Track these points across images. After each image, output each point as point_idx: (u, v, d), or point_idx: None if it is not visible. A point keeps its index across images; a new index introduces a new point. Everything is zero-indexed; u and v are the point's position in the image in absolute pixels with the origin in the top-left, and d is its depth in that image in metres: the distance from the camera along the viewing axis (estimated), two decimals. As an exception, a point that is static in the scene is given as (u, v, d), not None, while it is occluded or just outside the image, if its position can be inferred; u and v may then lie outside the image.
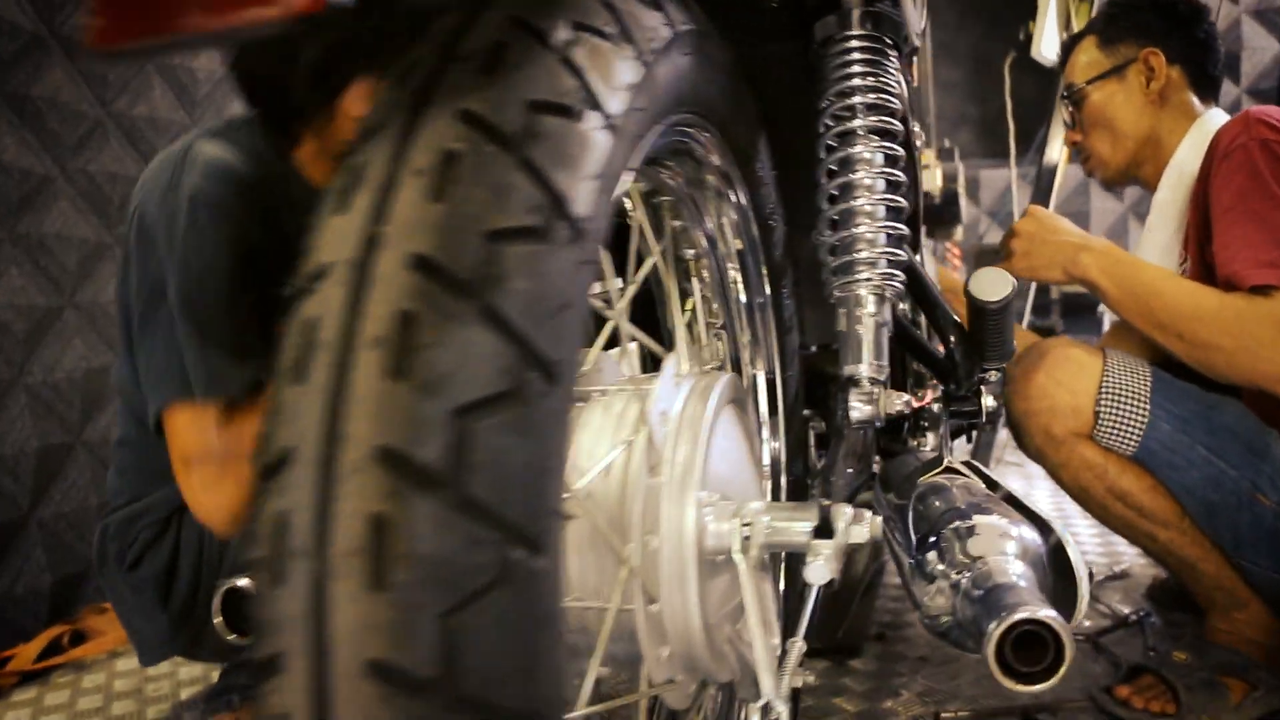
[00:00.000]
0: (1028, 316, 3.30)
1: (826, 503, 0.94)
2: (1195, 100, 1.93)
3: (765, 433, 1.32)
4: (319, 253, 0.61)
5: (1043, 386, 1.67)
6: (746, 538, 0.90)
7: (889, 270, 1.10)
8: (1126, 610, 2.08)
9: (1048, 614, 0.80)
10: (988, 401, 1.30)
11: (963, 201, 3.18)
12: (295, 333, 0.60)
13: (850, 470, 1.06)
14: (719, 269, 1.21)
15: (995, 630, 0.80)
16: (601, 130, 0.68)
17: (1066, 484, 1.74)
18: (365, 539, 0.54)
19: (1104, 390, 1.65)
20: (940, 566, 0.97)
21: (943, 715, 1.66)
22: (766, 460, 1.33)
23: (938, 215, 3.13)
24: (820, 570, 0.86)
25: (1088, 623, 2.07)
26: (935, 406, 1.31)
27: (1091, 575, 0.98)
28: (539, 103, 0.65)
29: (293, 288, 0.62)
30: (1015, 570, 0.93)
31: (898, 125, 1.14)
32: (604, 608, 0.88)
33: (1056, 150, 3.08)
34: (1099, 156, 1.99)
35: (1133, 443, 1.65)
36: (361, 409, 0.56)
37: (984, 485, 1.19)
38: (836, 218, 1.11)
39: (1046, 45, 2.91)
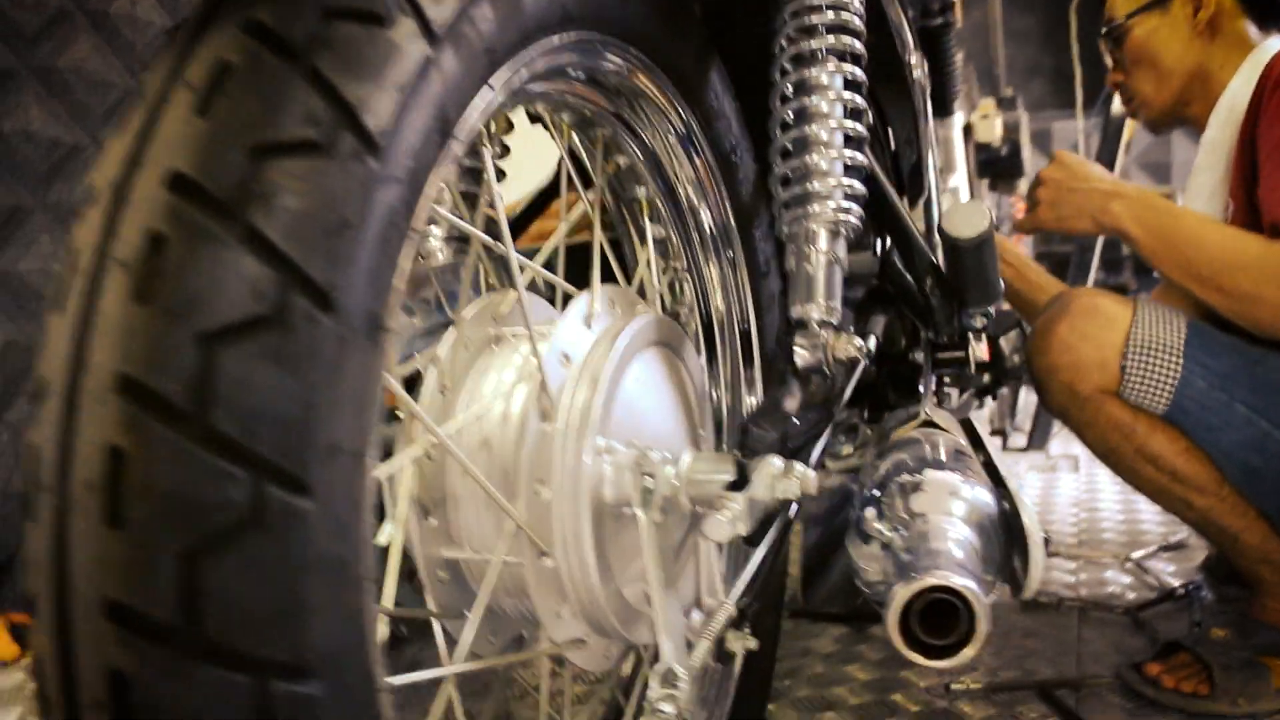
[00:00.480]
0: (1094, 273, 3.12)
1: (738, 454, 0.87)
2: (1252, 28, 1.74)
3: (742, 383, 1.26)
4: (91, 177, 0.58)
5: (1065, 340, 1.55)
6: (648, 490, 0.83)
7: (845, 204, 1.01)
8: (1176, 583, 1.95)
9: (961, 582, 0.72)
10: (977, 350, 1.20)
11: (1026, 153, 3.01)
12: (63, 260, 0.56)
13: (799, 420, 0.98)
14: (673, 209, 1.14)
15: (898, 595, 0.73)
16: (416, 38, 0.62)
17: (1093, 445, 1.62)
18: (102, 473, 0.51)
19: (1131, 343, 1.52)
20: (876, 525, 0.89)
21: (953, 686, 1.57)
22: (745, 412, 1.26)
23: (998, 167, 2.97)
24: (719, 526, 0.79)
25: (1132, 595, 1.94)
26: (918, 356, 1.22)
27: (1048, 542, 0.89)
28: (336, 9, 0.59)
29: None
30: (956, 534, 0.85)
31: (860, 47, 1.05)
32: (487, 560, 0.83)
33: (1122, 102, 2.91)
34: (1142, 96, 1.83)
35: (1164, 400, 1.52)
36: (105, 336, 0.52)
37: (963, 443, 1.10)
38: (789, 146, 1.03)
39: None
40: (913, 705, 1.56)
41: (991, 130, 2.91)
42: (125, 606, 0.50)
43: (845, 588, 1.88)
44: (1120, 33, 1.81)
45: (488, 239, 0.86)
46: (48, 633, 0.51)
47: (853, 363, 0.99)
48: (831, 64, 1.04)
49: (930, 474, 0.91)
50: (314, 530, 0.54)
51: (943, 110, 2.43)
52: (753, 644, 1.02)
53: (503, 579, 0.88)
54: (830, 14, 1.04)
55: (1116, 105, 2.79)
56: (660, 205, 1.14)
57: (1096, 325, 1.54)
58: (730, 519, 0.80)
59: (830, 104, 1.03)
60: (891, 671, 1.68)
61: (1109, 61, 1.91)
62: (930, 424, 1.12)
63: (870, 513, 0.90)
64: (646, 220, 1.13)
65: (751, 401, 1.27)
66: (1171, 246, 1.53)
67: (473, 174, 1.25)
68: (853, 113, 1.04)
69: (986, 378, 1.80)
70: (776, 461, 0.89)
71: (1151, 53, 1.78)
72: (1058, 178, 1.65)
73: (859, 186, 1.02)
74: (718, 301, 1.22)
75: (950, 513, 0.87)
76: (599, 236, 0.98)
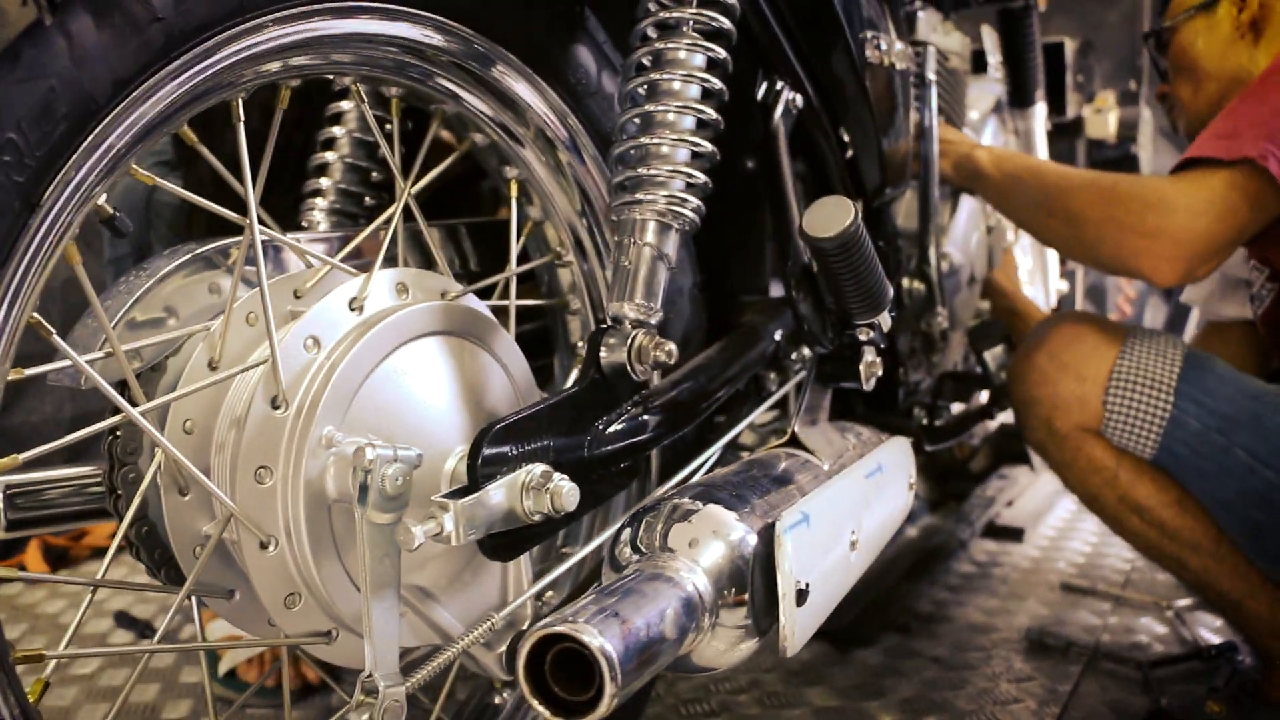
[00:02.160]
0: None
1: (466, 457, 0.81)
2: None
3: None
4: None
5: (1044, 370, 1.40)
6: (364, 487, 0.78)
7: (681, 194, 0.93)
8: (1215, 640, 1.73)
9: (595, 640, 0.64)
10: (867, 361, 1.08)
11: (1144, 153, 2.75)
12: None
13: (602, 425, 0.91)
14: (544, 195, 1.08)
15: (526, 641, 0.66)
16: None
17: (1074, 489, 1.46)
18: None
19: (1116, 376, 1.35)
20: (626, 550, 0.82)
21: (897, 728, 1.45)
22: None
23: (1110, 167, 2.72)
24: (411, 534, 0.73)
25: (1159, 647, 1.74)
26: (796, 366, 1.11)
27: (803, 595, 0.80)
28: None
29: None
30: (688, 579, 0.76)
31: (729, 25, 0.96)
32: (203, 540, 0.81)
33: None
34: (1182, 103, 1.66)
35: (1151, 442, 1.34)
36: None
37: (819, 468, 1.00)
38: (634, 123, 0.95)
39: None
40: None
41: (1105, 126, 2.67)
42: None
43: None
44: (1164, 40, 1.67)
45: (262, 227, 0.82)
46: None
47: (664, 367, 0.90)
48: (694, 38, 0.95)
49: (709, 509, 0.82)
50: None
51: (1022, 100, 2.24)
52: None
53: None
54: (704, -16, 0.95)
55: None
56: (532, 188, 1.09)
57: (1078, 355, 1.38)
58: (428, 530, 0.75)
59: (684, 82, 0.94)
60: (853, 702, 1.57)
61: (1158, 72, 1.76)
62: (795, 443, 1.02)
63: (627, 534, 0.82)
64: (513, 203, 1.07)
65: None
66: (1013, 178, 1.51)
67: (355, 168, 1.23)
68: (705, 94, 0.95)
69: (984, 398, 1.65)
70: (536, 470, 0.83)
71: (1192, 58, 1.63)
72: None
73: (700, 178, 0.93)
74: (604, 289, 1.15)
75: (697, 556, 0.78)
76: (398, 218, 0.93)
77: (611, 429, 0.92)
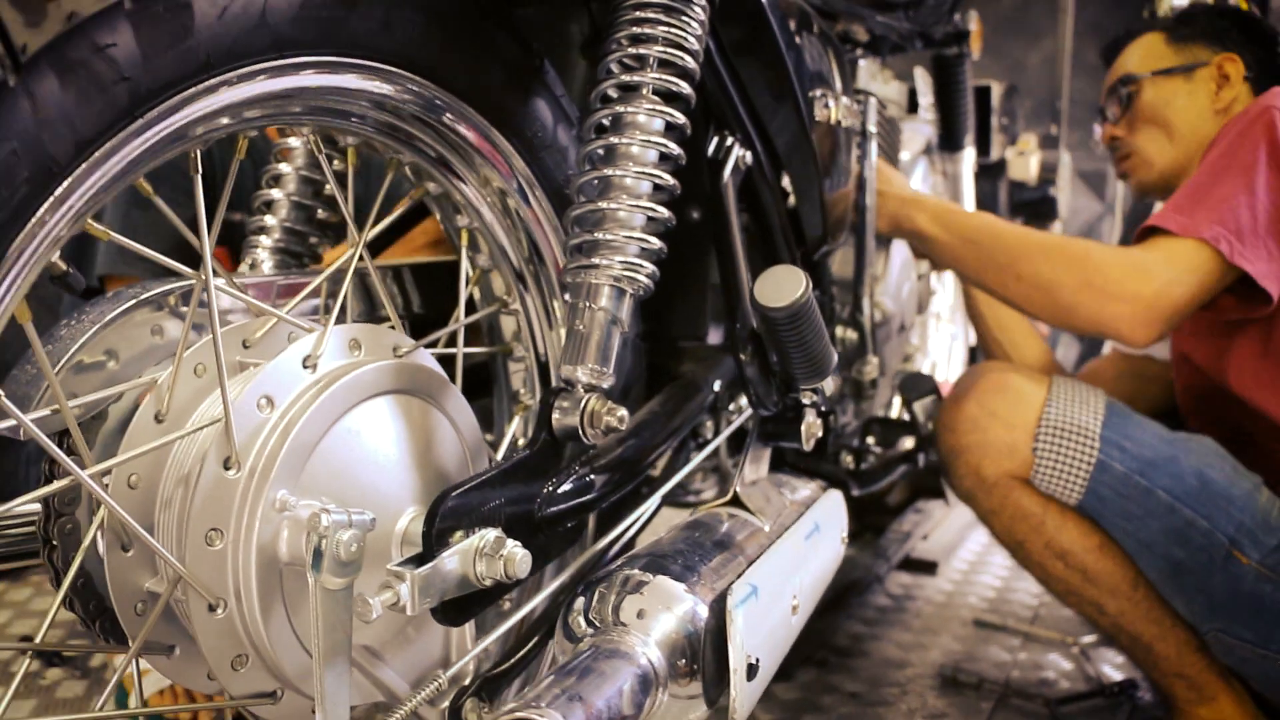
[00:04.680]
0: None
1: (426, 524, 0.81)
2: None
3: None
4: None
5: (974, 418, 1.45)
6: (318, 552, 0.78)
7: (637, 261, 0.94)
8: (1115, 678, 1.81)
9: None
10: (809, 422, 1.11)
11: (1064, 195, 2.84)
12: None
13: (552, 488, 0.92)
14: (493, 245, 1.08)
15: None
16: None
17: (1000, 536, 1.51)
18: None
19: (1044, 424, 1.41)
20: (580, 618, 0.83)
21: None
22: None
23: (1030, 207, 2.81)
24: (370, 605, 0.73)
25: (1065, 684, 1.81)
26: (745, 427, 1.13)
27: (754, 670, 0.81)
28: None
29: None
30: (641, 653, 0.78)
31: (688, 90, 0.97)
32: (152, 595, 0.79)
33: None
34: (1143, 155, 1.72)
35: (1078, 489, 1.41)
36: None
37: (760, 529, 1.02)
38: (592, 184, 0.96)
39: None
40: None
41: (1027, 168, 2.76)
42: None
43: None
44: (1135, 89, 1.72)
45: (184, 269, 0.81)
46: None
47: (611, 432, 0.91)
48: (654, 102, 0.96)
49: (659, 580, 0.83)
50: None
51: (952, 143, 2.30)
52: (487, 714, 0.97)
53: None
54: (660, 48, 0.96)
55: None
56: (482, 238, 1.09)
57: (1007, 403, 1.43)
58: (386, 600, 0.75)
59: (642, 147, 0.95)
60: (774, 735, 1.60)
61: (1110, 114, 1.80)
62: (736, 502, 1.03)
63: (580, 603, 0.83)
64: (463, 252, 1.08)
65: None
66: (968, 241, 1.52)
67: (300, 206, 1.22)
68: (663, 159, 0.96)
69: (909, 444, 1.70)
70: (489, 536, 0.83)
71: (1165, 116, 1.69)
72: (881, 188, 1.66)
73: (655, 243, 0.94)
74: (552, 338, 1.16)
75: (649, 630, 0.80)
76: (352, 268, 0.92)
77: (560, 489, 0.93)
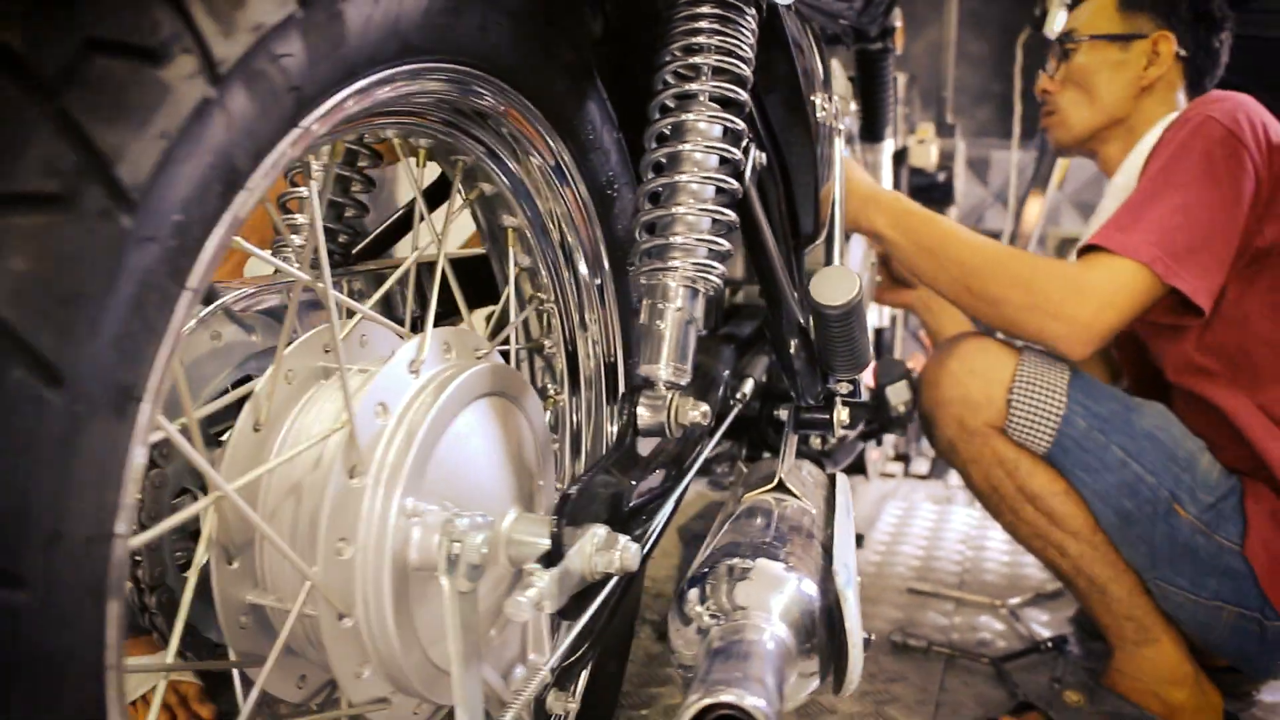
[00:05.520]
0: None
1: (558, 523, 0.83)
2: (1181, 96, 1.79)
3: (606, 423, 1.22)
4: None
5: (955, 375, 1.58)
6: (453, 556, 0.79)
7: (707, 262, 0.97)
8: (1046, 634, 1.95)
9: (752, 703, 0.69)
10: (840, 415, 1.17)
11: (959, 182, 3.00)
12: None
13: (635, 483, 0.95)
14: (540, 242, 1.10)
15: (688, 708, 0.70)
16: (194, 79, 0.56)
17: (977, 483, 1.64)
18: None
19: (1018, 380, 1.55)
20: (698, 608, 0.86)
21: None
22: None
23: (931, 194, 2.95)
24: (520, 605, 0.75)
25: (1002, 643, 1.95)
26: (783, 416, 1.18)
27: (868, 642, 0.87)
28: (102, 40, 0.53)
29: None
30: (771, 632, 0.82)
31: (743, 96, 1.01)
32: (285, 610, 0.78)
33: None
34: (1063, 116, 1.82)
35: (1046, 438, 1.55)
36: None
37: (814, 513, 1.07)
38: (657, 191, 0.99)
39: (1058, 24, 2.73)
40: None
41: (927, 156, 2.89)
42: None
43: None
44: (1073, 47, 1.80)
45: (301, 274, 0.80)
46: None
47: (696, 428, 0.95)
48: (712, 109, 0.99)
49: (761, 564, 0.88)
50: (33, 627, 0.49)
51: (873, 136, 2.40)
52: (574, 705, 0.99)
53: (307, 630, 0.83)
54: (717, 57, 0.99)
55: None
56: (529, 236, 1.10)
57: (986, 362, 1.58)
58: (533, 599, 0.76)
59: (705, 153, 0.99)
60: (751, 708, 1.67)
61: (1049, 67, 1.88)
62: (783, 488, 1.09)
63: (694, 594, 0.87)
64: (512, 250, 1.09)
65: (613, 433, 1.23)
66: (924, 250, 1.59)
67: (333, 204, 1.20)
68: (725, 163, 1.00)
69: (873, 424, 1.79)
70: (600, 532, 0.86)
71: (1092, 82, 1.77)
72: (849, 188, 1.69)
73: (723, 244, 0.98)
74: (588, 336, 1.18)
75: (770, 609, 0.84)
76: (442, 272, 0.93)
77: (643, 483, 0.96)
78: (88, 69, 0.53)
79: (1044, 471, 1.58)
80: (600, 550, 0.85)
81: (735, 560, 0.88)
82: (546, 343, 1.19)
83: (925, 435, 1.69)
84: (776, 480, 1.10)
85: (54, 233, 0.50)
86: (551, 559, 0.82)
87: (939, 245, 1.58)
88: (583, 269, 1.14)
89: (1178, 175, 1.51)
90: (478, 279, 1.17)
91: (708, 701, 0.68)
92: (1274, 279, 1.55)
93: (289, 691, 0.88)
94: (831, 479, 1.24)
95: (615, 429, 1.20)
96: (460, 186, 1.01)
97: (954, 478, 3.18)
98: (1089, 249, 1.53)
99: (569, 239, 1.11)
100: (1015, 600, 2.10)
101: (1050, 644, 1.89)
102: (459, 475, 0.86)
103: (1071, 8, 1.88)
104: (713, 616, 0.85)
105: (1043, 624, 2.04)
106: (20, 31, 0.52)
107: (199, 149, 0.57)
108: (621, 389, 1.20)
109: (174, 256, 0.57)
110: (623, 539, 0.85)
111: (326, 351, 0.89)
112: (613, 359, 1.20)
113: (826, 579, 0.89)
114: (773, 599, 0.85)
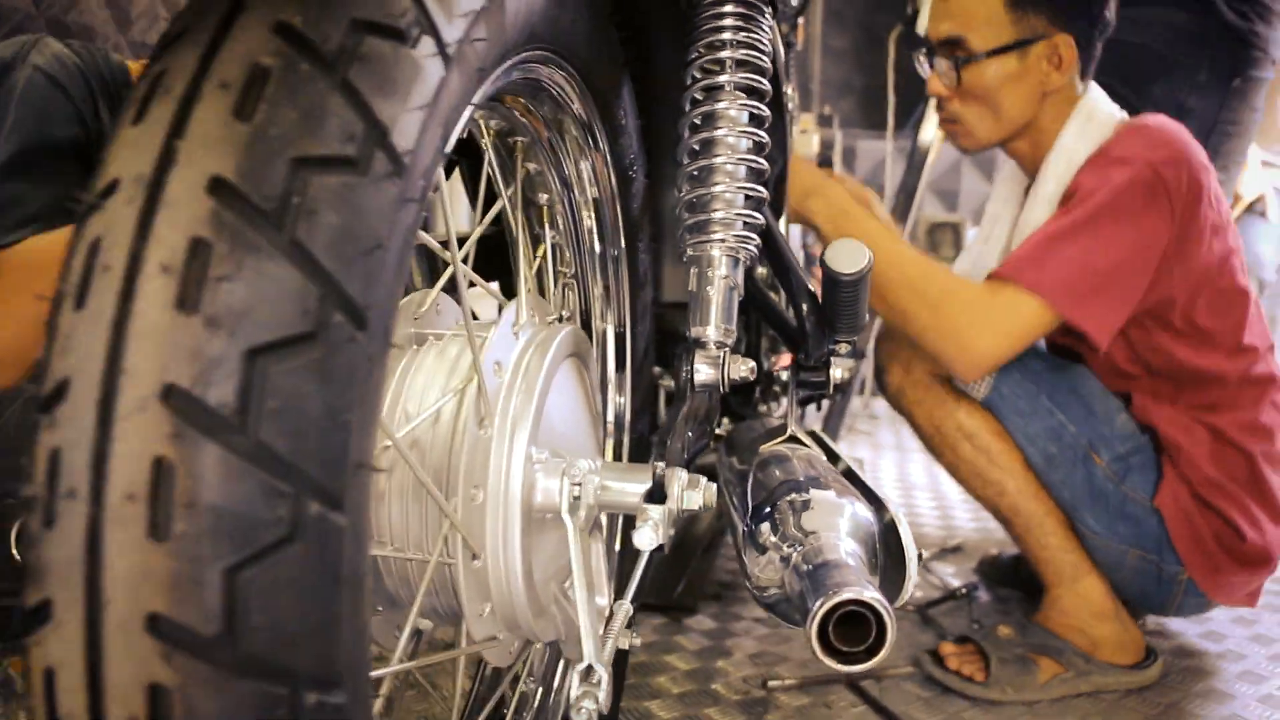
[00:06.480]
0: None
1: (661, 466, 0.92)
2: (1078, 82, 1.80)
3: (612, 388, 1.31)
4: (110, 166, 0.55)
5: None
6: (575, 497, 0.87)
7: (745, 233, 1.08)
8: (957, 584, 2.15)
9: (872, 595, 0.79)
10: (835, 373, 1.30)
11: (837, 170, 3.20)
12: (80, 252, 0.54)
13: (692, 434, 1.05)
14: (572, 217, 1.18)
15: (819, 609, 0.79)
16: (434, 58, 0.63)
17: (922, 423, 1.83)
18: (145, 483, 0.50)
19: None
20: (773, 539, 0.96)
21: (770, 684, 1.68)
22: (611, 417, 1.31)
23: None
24: (648, 536, 0.84)
25: (919, 593, 2.13)
26: (784, 374, 1.30)
27: (921, 556, 0.99)
28: (365, 22, 0.60)
29: (82, 203, 0.56)
30: (845, 548, 0.93)
31: (765, 85, 1.12)
32: (424, 560, 0.85)
33: (932, 128, 3.05)
34: (967, 127, 1.82)
35: (985, 386, 1.76)
36: (145, 342, 0.51)
37: (825, 457, 1.19)
38: (695, 173, 1.09)
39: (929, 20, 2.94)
40: (733, 695, 1.67)
41: (809, 146, 3.07)
42: (168, 620, 0.49)
43: (663, 580, 1.97)
44: (968, 60, 1.75)
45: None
46: (75, 644, 0.50)
47: (748, 382, 1.06)
48: (740, 99, 1.10)
49: (817, 493, 0.99)
50: (347, 545, 0.55)
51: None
52: (638, 641, 1.08)
53: (413, 577, 0.89)
54: (742, 51, 1.10)
55: (924, 133, 2.96)
56: (559, 213, 1.18)
57: None
58: (655, 529, 0.85)
59: (736, 137, 1.09)
60: (709, 662, 1.78)
61: (939, 68, 1.81)
62: (795, 439, 1.20)
63: (765, 527, 0.97)
64: (546, 226, 1.16)
65: (622, 403, 1.32)
66: None
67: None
68: (755, 146, 1.11)
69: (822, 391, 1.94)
70: (684, 474, 0.95)
71: (995, 98, 1.76)
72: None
73: (758, 217, 1.09)
74: (599, 308, 1.26)
75: (838, 530, 0.95)
76: (523, 243, 1.00)
77: (698, 434, 1.06)
78: (360, 47, 0.59)
79: (981, 414, 1.78)
80: (687, 489, 0.94)
81: (793, 495, 0.99)
82: (564, 313, 1.27)
83: (876, 383, 1.89)
84: (789, 432, 1.21)
85: (356, 191, 0.57)
86: (652, 498, 0.90)
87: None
88: (601, 245, 1.23)
89: (1102, 220, 1.60)
90: (500, 253, 1.24)
91: (836, 600, 0.78)
92: (1183, 324, 1.70)
93: (389, 641, 0.94)
94: (813, 434, 1.37)
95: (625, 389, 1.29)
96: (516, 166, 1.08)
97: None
98: (998, 274, 1.63)
99: (592, 216, 1.19)
100: (926, 554, 2.30)
101: (964, 591, 2.09)
102: (560, 426, 0.94)
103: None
104: (790, 546, 0.95)
105: (951, 575, 2.24)
106: (299, 10, 0.58)
107: (437, 122, 0.64)
108: (629, 357, 1.30)
109: (418, 218, 0.64)
110: (702, 479, 0.95)
111: (415, 319, 0.95)
112: (621, 328, 1.29)
113: (869, 504, 1.01)
114: (840, 521, 0.96)
